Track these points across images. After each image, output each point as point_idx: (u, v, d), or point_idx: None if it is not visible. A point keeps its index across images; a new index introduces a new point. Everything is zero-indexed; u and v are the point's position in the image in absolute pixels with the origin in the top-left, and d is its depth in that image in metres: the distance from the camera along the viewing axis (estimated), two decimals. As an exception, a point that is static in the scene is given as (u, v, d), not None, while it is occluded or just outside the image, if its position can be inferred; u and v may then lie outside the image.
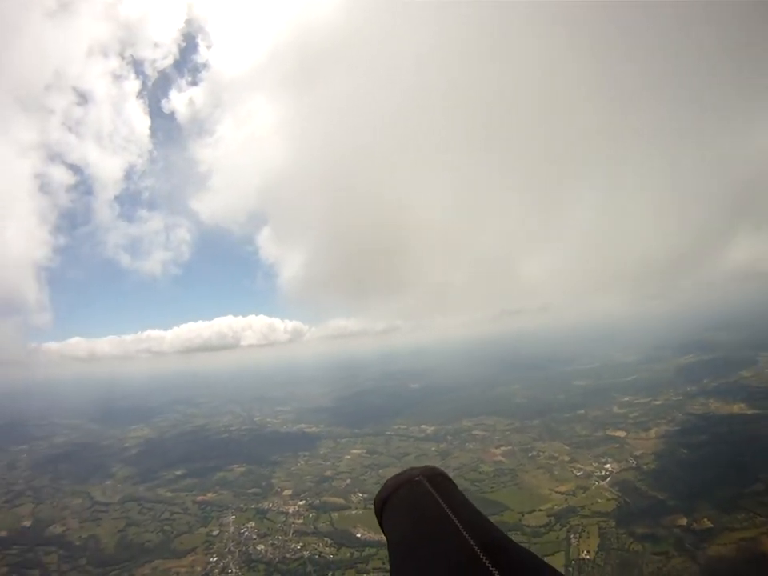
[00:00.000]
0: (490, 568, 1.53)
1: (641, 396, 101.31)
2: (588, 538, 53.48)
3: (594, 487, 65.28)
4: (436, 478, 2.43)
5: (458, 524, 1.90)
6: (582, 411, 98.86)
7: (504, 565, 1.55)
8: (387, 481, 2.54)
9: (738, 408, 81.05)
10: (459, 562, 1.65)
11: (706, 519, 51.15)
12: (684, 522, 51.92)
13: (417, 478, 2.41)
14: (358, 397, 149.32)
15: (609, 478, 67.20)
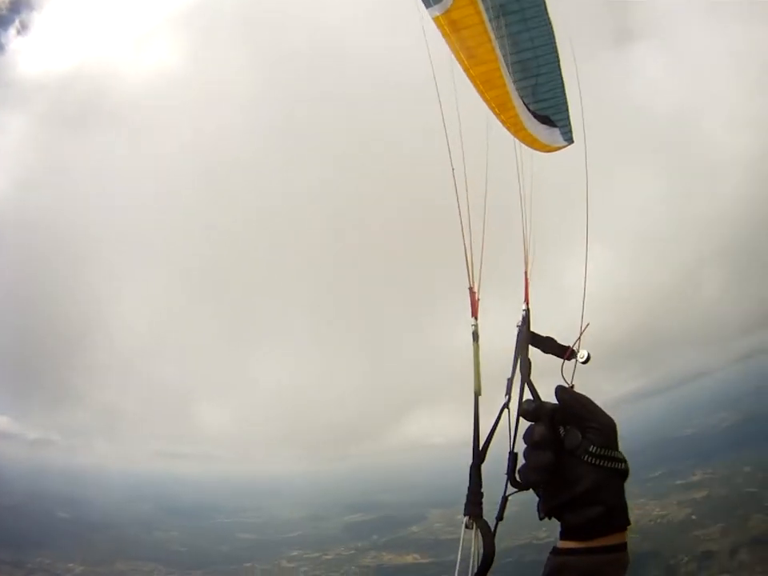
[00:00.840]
0: None
1: (310, 551, 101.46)
2: None
3: None
4: None
5: None
6: (249, 564, 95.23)
7: None
8: None
9: (412, 558, 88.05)
10: None
11: None
12: None
13: None
14: None
15: None
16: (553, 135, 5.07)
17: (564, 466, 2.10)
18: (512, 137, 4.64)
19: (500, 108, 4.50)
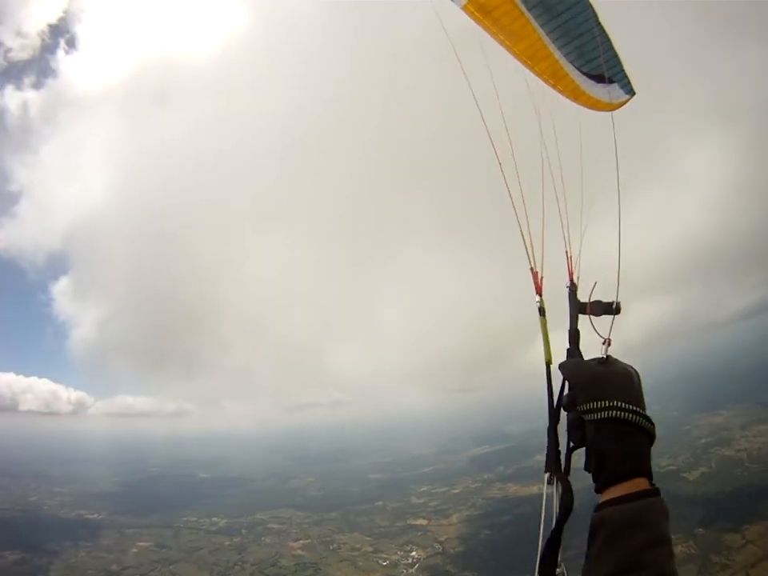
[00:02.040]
0: None
1: (438, 486, 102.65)
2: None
3: (402, 575, 62.88)
4: None
5: None
6: (380, 503, 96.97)
7: None
8: None
9: (536, 488, 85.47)
10: None
11: (520, 593, 50.39)
12: (502, 598, 50.70)
13: None
14: (145, 483, 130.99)
15: (417, 565, 65.66)
16: (613, 92, 4.84)
17: (575, 427, 2.54)
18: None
19: (554, 78, 4.63)
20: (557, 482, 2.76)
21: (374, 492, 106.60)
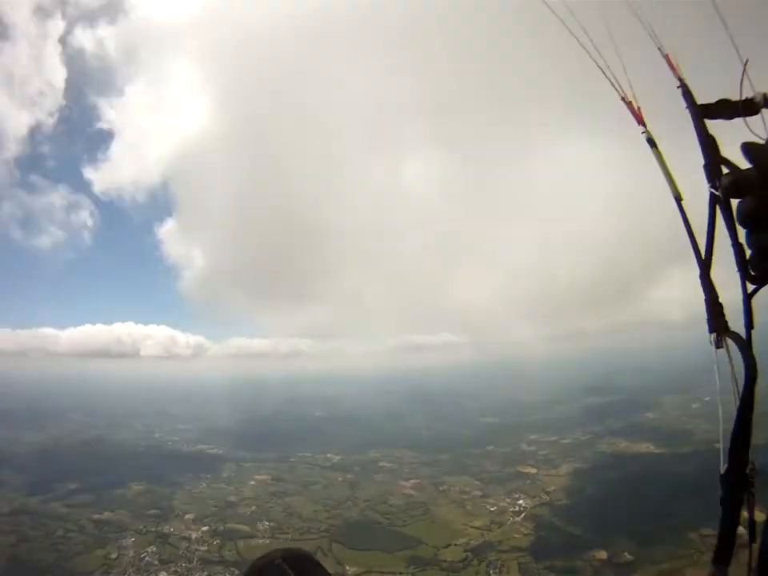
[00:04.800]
0: None
1: (548, 435, 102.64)
2: (508, 573, 51.71)
3: (509, 522, 64.13)
4: (296, 561, 2.54)
5: None
6: (491, 447, 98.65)
7: None
8: (251, 563, 2.66)
9: (645, 447, 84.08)
10: None
11: (625, 553, 50.81)
12: (604, 555, 51.48)
13: (277, 562, 2.54)
14: (262, 420, 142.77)
15: (523, 514, 66.15)
16: None
17: None
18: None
19: None
20: (727, 343, 2.11)
21: (485, 436, 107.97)
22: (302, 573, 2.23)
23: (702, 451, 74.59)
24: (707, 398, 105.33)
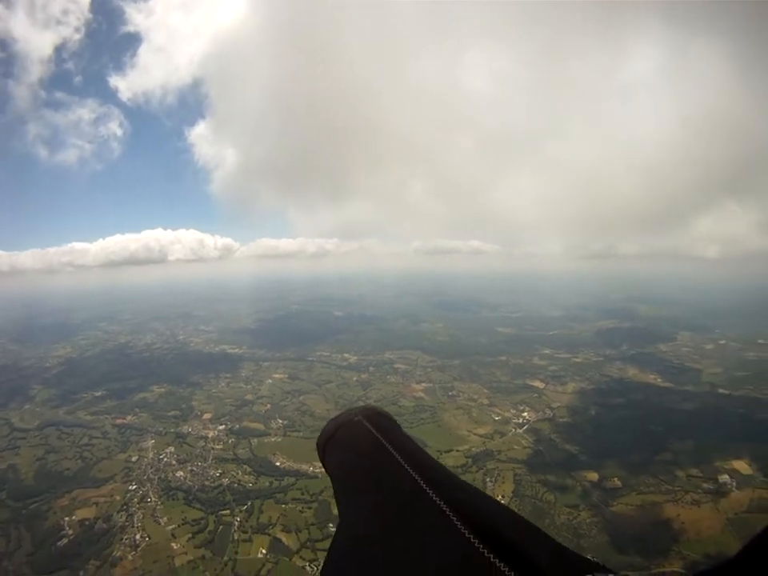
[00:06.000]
0: (434, 498, 1.60)
1: (561, 351, 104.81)
2: (503, 483, 54.67)
3: (510, 433, 66.83)
4: (375, 418, 2.56)
5: (400, 459, 2.02)
6: (504, 358, 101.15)
7: (443, 494, 1.63)
8: (328, 422, 2.67)
9: (652, 378, 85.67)
10: (404, 493, 1.75)
11: (615, 478, 53.57)
12: (595, 477, 54.17)
13: (356, 418, 2.55)
14: (283, 320, 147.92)
15: (525, 426, 68.86)
16: None
17: None
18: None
19: None
20: None
21: (500, 346, 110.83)
22: (380, 428, 2.31)
23: (705, 393, 76.31)
24: (722, 341, 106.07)
